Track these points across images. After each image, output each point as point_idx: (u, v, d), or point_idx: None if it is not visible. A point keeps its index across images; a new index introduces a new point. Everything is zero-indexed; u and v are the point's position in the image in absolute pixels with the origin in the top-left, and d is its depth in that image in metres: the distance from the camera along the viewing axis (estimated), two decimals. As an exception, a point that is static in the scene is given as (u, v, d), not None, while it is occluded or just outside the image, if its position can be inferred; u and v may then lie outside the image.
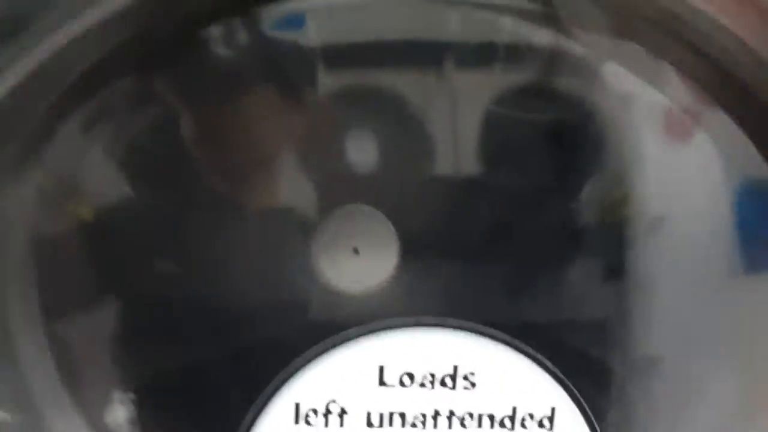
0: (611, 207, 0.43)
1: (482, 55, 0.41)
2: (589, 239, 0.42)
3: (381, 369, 0.28)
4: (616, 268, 0.41)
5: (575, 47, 0.40)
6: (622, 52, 0.40)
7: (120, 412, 0.40)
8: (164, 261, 0.39)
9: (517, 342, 0.28)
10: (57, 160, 0.37)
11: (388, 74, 0.41)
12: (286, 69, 0.41)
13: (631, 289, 0.41)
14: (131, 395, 0.40)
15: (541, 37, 0.40)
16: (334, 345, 0.28)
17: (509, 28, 0.40)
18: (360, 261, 0.40)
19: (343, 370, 0.29)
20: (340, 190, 0.41)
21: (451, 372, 0.28)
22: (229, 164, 0.41)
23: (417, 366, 0.29)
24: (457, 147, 0.42)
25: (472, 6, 0.40)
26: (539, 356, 0.28)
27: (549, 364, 0.28)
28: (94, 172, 0.38)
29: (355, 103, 0.41)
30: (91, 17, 0.31)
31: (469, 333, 0.28)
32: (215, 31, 0.37)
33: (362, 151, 0.42)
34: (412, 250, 0.40)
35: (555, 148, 0.42)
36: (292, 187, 0.41)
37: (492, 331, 0.28)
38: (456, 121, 0.41)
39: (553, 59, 0.41)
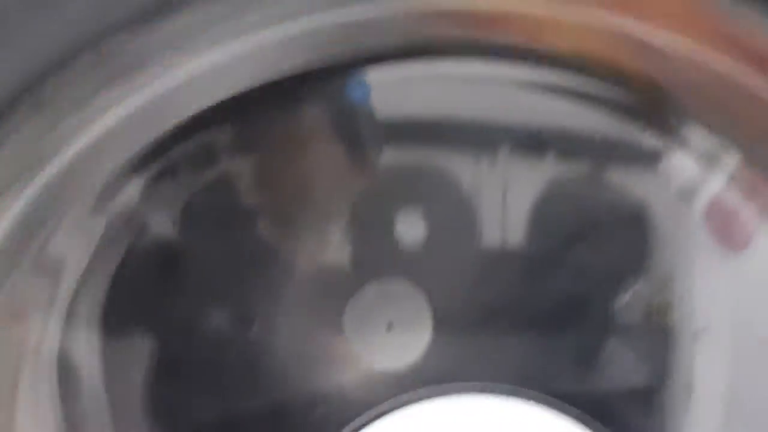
0: (657, 310, 0.42)
1: (538, 141, 0.42)
2: (632, 336, 0.42)
3: None
4: (660, 372, 0.41)
5: (640, 136, 0.41)
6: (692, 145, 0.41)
7: None
8: (208, 308, 0.39)
9: (588, 418, 0.27)
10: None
11: (444, 153, 0.42)
12: (355, 134, 0.42)
13: (669, 396, 0.41)
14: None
15: (606, 125, 0.41)
16: (402, 403, 0.27)
17: (572, 116, 0.41)
18: (393, 337, 0.40)
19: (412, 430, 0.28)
20: (380, 262, 0.41)
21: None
22: (283, 218, 0.41)
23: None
24: (504, 230, 0.42)
25: (568, 94, 0.41)
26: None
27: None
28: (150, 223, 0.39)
29: (408, 177, 0.42)
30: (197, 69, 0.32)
31: (537, 404, 0.27)
32: (301, 89, 0.38)
33: (409, 227, 0.42)
34: (446, 328, 0.40)
35: (603, 242, 0.42)
36: (336, 254, 0.41)
37: (562, 404, 0.27)
38: (505, 205, 0.42)
39: (614, 151, 0.41)
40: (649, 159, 0.41)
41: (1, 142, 0.26)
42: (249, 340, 0.39)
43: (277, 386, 0.38)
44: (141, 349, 0.38)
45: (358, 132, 0.41)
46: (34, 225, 0.32)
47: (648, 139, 0.41)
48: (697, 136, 0.40)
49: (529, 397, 0.28)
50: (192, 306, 0.37)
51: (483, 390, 0.27)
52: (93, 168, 0.32)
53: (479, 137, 0.41)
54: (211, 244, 0.39)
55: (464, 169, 0.42)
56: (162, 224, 0.38)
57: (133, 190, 0.36)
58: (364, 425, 0.28)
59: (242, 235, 0.39)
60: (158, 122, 0.33)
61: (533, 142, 0.42)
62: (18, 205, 0.30)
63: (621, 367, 0.40)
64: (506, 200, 0.42)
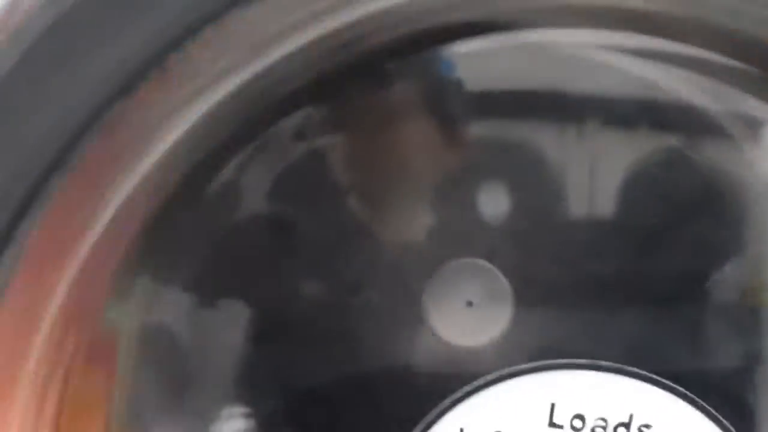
0: (751, 291, 0.41)
1: (630, 115, 0.41)
2: (726, 318, 0.41)
3: (552, 407, 0.27)
4: (756, 351, 0.40)
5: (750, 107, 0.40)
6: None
7: (231, 427, 0.39)
8: (298, 278, 0.39)
9: (697, 399, 0.26)
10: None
11: (530, 126, 0.41)
12: (443, 109, 0.41)
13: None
14: (244, 410, 0.39)
15: (710, 99, 0.40)
16: (504, 376, 0.27)
17: (670, 89, 0.40)
18: (473, 314, 0.40)
19: (513, 403, 0.28)
20: (463, 238, 0.41)
21: (626, 420, 0.27)
22: (371, 192, 0.41)
23: (590, 409, 0.28)
24: (590, 206, 0.41)
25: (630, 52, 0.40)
26: (719, 416, 0.27)
27: (729, 425, 0.27)
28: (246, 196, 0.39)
29: (493, 151, 0.41)
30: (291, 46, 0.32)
31: (646, 383, 0.27)
32: (390, 65, 0.38)
33: (493, 202, 0.41)
34: (527, 305, 0.39)
35: (695, 220, 0.41)
36: (420, 229, 0.41)
37: (673, 385, 0.26)
38: (593, 180, 0.41)
39: (710, 125, 0.40)
40: (747, 134, 0.40)
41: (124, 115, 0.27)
42: (335, 313, 0.39)
43: (362, 360, 0.39)
44: (235, 316, 0.38)
45: (447, 107, 0.41)
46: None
47: (746, 112, 0.40)
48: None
49: (630, 376, 0.27)
50: (283, 277, 0.38)
51: (582, 367, 0.27)
52: (198, 142, 0.33)
53: (567, 110, 0.41)
54: (303, 217, 0.39)
55: (551, 143, 0.41)
56: (257, 197, 0.38)
57: (232, 165, 0.37)
58: (498, 379, 0.28)
59: (332, 209, 0.39)
60: (257, 100, 0.34)
61: (624, 115, 0.41)
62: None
63: (716, 346, 0.39)
64: (594, 175, 0.41)
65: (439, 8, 0.37)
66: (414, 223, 0.41)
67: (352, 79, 0.37)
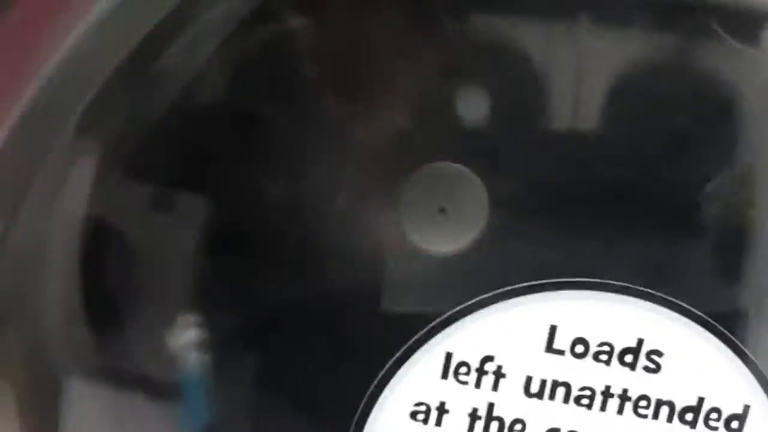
0: (737, 207, 0.40)
1: (622, 11, 0.39)
2: (709, 234, 0.39)
3: (552, 331, 0.25)
4: (736, 271, 0.39)
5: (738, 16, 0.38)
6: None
7: (186, 336, 0.38)
8: (262, 174, 0.37)
9: (716, 324, 0.24)
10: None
11: (512, 22, 0.39)
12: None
13: (749, 297, 0.39)
14: (200, 320, 0.37)
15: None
16: (497, 298, 0.24)
17: None
18: (447, 221, 0.38)
19: (508, 326, 0.25)
20: (438, 142, 0.39)
21: (634, 346, 0.25)
22: (343, 86, 0.38)
23: (594, 334, 0.25)
24: (576, 111, 0.40)
25: None
26: (740, 344, 0.24)
27: (750, 355, 0.25)
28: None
29: (472, 50, 0.39)
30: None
31: (659, 305, 0.24)
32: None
33: (471, 105, 0.39)
34: (503, 211, 0.37)
35: (685, 131, 0.39)
36: (395, 130, 0.38)
37: (689, 308, 0.24)
38: (580, 83, 0.39)
39: (706, 27, 0.38)
40: (744, 39, 0.38)
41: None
42: (302, 220, 0.37)
43: (330, 273, 0.37)
44: (191, 217, 0.36)
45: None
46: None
47: (745, 17, 0.38)
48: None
49: (641, 297, 0.25)
50: (244, 176, 0.35)
51: (585, 286, 0.24)
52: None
53: (555, 6, 0.39)
54: (268, 110, 0.36)
55: (535, 42, 0.39)
56: (216, 82, 0.35)
57: (186, 40, 0.34)
58: (491, 301, 0.26)
59: (299, 103, 0.37)
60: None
61: (616, 12, 0.39)
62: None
63: (698, 267, 0.38)
64: (581, 77, 0.39)
65: None
66: (388, 123, 0.38)
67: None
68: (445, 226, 0.37)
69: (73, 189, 0.35)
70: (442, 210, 0.37)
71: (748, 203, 0.41)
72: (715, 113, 0.40)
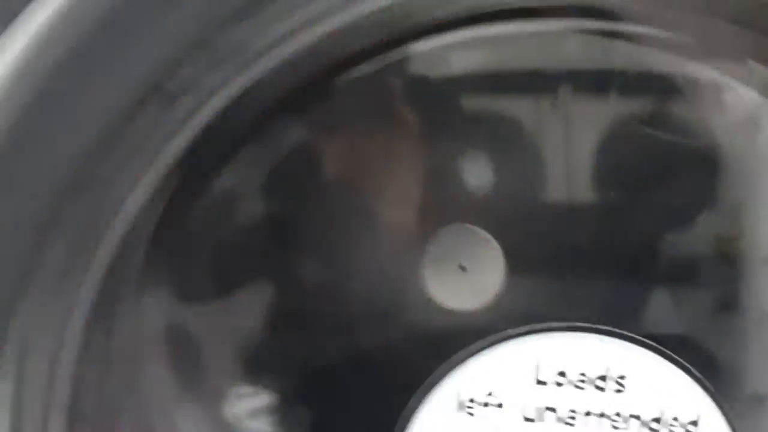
0: (726, 240, 0.43)
1: (599, 82, 0.43)
2: (702, 268, 0.43)
3: (537, 367, 0.31)
4: (729, 301, 0.42)
5: (700, 71, 0.42)
6: (753, 76, 0.41)
7: (243, 406, 0.43)
8: (298, 268, 0.42)
9: (666, 350, 0.30)
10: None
11: (505, 100, 0.44)
12: (420, 94, 0.43)
13: (745, 324, 0.42)
14: (258, 388, 0.42)
15: (664, 63, 0.42)
16: (494, 342, 0.30)
17: (628, 55, 0.42)
18: (467, 279, 0.42)
19: (503, 365, 0.31)
20: (451, 208, 0.44)
21: (603, 374, 0.30)
22: (363, 179, 0.44)
23: (571, 366, 0.31)
24: (568, 171, 0.44)
25: (593, 33, 0.42)
26: (687, 364, 0.30)
27: (696, 371, 0.30)
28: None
29: (472, 125, 0.44)
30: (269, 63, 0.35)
31: (619, 339, 0.30)
32: (366, 68, 0.41)
33: (477, 173, 0.44)
34: (519, 268, 0.42)
35: (670, 176, 0.43)
36: (410, 202, 0.44)
37: (642, 339, 0.30)
38: (570, 146, 0.44)
39: (673, 85, 0.42)
40: (711, 93, 0.42)
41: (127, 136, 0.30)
42: (336, 296, 0.42)
43: (362, 333, 0.42)
44: (244, 306, 0.41)
45: (426, 99, 0.43)
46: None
47: (709, 74, 0.42)
48: (759, 69, 0.41)
49: (604, 334, 0.30)
50: (285, 268, 0.41)
51: (561, 329, 0.30)
52: (194, 152, 0.35)
53: (539, 82, 0.43)
54: (298, 211, 0.42)
55: (526, 113, 0.44)
56: (253, 196, 0.41)
57: (227, 170, 0.40)
58: (488, 345, 0.31)
59: (324, 200, 0.43)
60: (247, 108, 0.36)
61: (593, 83, 0.43)
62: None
63: (694, 299, 0.42)
64: (570, 141, 0.44)
65: (413, 10, 0.39)
66: (405, 198, 0.43)
67: (335, 79, 0.40)
68: (465, 283, 0.42)
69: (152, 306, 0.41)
70: (462, 268, 0.42)
71: (736, 238, 0.44)
72: (694, 160, 0.44)
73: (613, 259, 0.42)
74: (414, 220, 0.43)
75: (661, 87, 0.43)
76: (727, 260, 0.43)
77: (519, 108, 0.44)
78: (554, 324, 0.31)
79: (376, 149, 0.44)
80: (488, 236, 0.43)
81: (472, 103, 0.44)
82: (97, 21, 0.27)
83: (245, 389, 0.43)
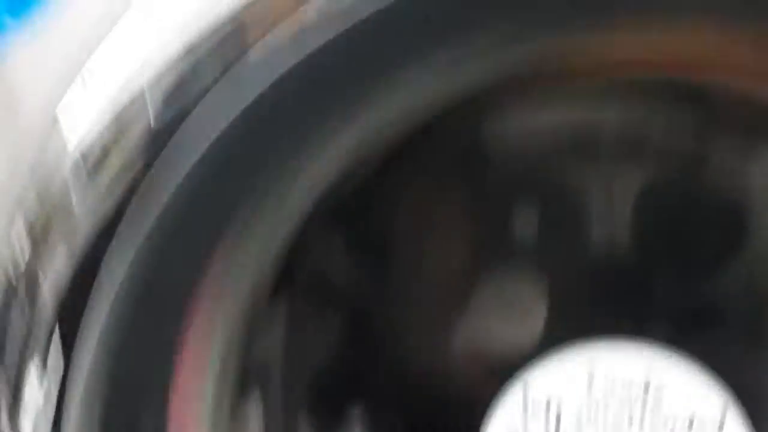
0: (758, 284, 0.47)
1: (634, 148, 0.47)
2: (733, 309, 0.47)
3: (591, 375, 0.37)
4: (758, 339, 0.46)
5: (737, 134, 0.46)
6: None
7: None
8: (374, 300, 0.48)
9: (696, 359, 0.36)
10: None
11: (550, 157, 0.48)
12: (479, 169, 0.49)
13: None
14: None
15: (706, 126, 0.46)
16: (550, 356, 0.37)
17: (667, 116, 0.46)
18: (510, 325, 0.48)
19: (561, 375, 0.38)
20: (499, 256, 0.49)
21: (645, 380, 0.37)
22: (422, 225, 0.49)
23: (618, 376, 0.37)
24: (609, 220, 0.48)
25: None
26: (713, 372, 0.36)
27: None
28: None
29: (519, 182, 0.49)
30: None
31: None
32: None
33: (524, 224, 0.49)
34: (561, 308, 0.47)
35: (705, 225, 0.48)
36: (466, 248, 0.49)
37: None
38: (611, 197, 0.48)
39: (710, 145, 0.47)
40: (745, 148, 0.47)
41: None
42: (402, 321, 0.48)
43: (427, 360, 0.47)
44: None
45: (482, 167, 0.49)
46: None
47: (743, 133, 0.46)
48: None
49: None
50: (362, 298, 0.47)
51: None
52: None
53: (579, 141, 0.48)
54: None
55: (569, 169, 0.48)
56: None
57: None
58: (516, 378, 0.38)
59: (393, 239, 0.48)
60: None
61: (632, 142, 0.47)
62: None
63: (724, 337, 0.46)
64: (611, 195, 0.48)
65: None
66: (461, 243, 0.49)
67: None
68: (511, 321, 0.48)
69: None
70: (510, 306, 0.47)
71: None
72: (728, 208, 0.47)
73: (648, 301, 0.47)
74: (470, 265, 0.49)
75: (697, 144, 0.47)
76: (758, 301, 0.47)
77: (566, 164, 0.49)
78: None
79: (437, 203, 0.49)
80: (534, 279, 0.48)
81: (522, 162, 0.49)
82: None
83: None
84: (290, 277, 0.45)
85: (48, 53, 0.42)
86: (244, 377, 0.44)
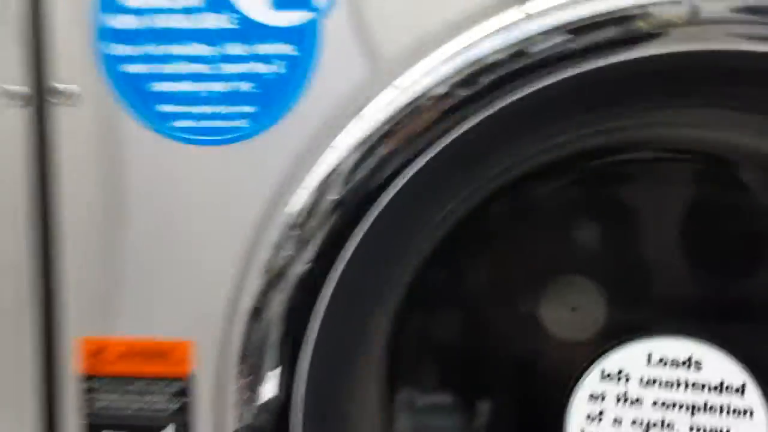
0: None
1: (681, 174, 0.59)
2: (761, 308, 0.59)
3: (649, 356, 0.53)
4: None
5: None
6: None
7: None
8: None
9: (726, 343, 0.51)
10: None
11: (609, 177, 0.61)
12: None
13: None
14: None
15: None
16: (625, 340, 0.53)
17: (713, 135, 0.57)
18: (576, 317, 0.61)
19: (627, 353, 0.54)
20: (565, 261, 0.63)
21: (688, 359, 0.53)
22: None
23: (668, 353, 0.53)
24: (660, 230, 0.60)
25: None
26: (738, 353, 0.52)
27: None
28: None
29: (581, 199, 0.62)
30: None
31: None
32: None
33: (587, 234, 0.62)
34: (618, 311, 0.59)
35: (739, 237, 0.60)
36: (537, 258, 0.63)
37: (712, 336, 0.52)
38: (662, 210, 0.60)
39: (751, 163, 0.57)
40: None
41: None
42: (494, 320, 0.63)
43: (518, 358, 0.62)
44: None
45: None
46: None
47: None
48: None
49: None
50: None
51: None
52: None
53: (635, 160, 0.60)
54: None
55: (626, 186, 0.61)
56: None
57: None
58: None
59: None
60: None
61: (682, 160, 0.59)
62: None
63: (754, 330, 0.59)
64: (662, 207, 0.60)
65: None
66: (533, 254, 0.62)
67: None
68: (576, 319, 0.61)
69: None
70: (573, 309, 0.62)
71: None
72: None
73: (689, 299, 0.60)
74: (540, 272, 0.62)
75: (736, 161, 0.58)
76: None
77: (621, 181, 0.61)
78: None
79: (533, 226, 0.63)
80: (594, 283, 0.60)
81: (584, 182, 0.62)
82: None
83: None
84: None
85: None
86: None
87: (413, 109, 0.50)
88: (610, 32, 0.47)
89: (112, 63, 0.56)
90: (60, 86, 0.56)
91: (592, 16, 0.47)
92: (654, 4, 0.46)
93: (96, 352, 0.55)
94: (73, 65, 0.56)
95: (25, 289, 0.57)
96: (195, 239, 0.55)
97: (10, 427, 0.58)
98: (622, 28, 0.47)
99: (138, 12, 0.55)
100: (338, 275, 0.51)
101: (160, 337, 0.55)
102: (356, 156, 0.51)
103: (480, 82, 0.50)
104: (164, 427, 0.54)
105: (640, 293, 0.61)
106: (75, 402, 0.57)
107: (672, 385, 0.54)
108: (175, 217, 0.55)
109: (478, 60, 0.50)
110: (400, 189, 0.50)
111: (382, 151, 0.51)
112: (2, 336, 0.57)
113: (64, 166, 0.57)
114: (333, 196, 0.51)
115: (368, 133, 0.51)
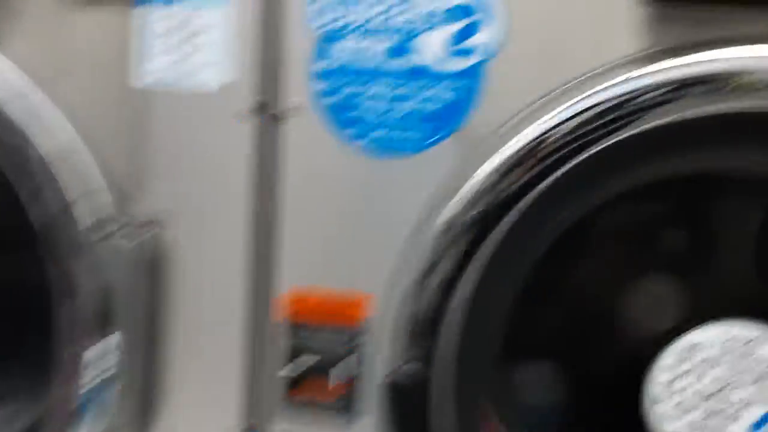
0: None
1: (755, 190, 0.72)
2: None
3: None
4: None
5: None
6: None
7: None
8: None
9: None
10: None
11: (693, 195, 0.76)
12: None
13: None
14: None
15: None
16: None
17: None
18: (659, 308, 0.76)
19: (700, 334, 0.71)
20: (650, 263, 0.77)
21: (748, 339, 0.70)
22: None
23: (733, 333, 0.70)
24: (737, 241, 0.73)
25: None
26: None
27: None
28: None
29: (669, 214, 0.76)
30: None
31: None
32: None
33: (675, 242, 0.76)
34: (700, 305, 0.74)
35: None
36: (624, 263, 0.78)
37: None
38: (738, 225, 0.73)
39: None
40: None
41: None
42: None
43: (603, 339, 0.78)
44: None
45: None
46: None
47: None
48: None
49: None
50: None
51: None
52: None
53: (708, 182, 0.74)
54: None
55: (705, 201, 0.74)
56: None
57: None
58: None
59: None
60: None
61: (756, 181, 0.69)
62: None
63: None
64: (738, 221, 0.74)
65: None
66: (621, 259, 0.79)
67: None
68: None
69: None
70: (658, 303, 0.76)
71: None
72: None
73: (751, 292, 0.74)
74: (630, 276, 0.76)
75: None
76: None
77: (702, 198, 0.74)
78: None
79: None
80: (679, 282, 0.74)
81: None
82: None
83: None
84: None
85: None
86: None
87: (540, 141, 0.67)
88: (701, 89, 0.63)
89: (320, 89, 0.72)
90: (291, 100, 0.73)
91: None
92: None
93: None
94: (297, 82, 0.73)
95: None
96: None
97: (221, 352, 0.79)
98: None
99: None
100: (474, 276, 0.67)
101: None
102: (495, 177, 0.68)
103: (597, 122, 0.67)
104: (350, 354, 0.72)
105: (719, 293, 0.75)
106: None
107: (734, 356, 0.71)
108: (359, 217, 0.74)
109: (599, 103, 0.66)
110: (531, 202, 0.67)
111: (518, 173, 0.68)
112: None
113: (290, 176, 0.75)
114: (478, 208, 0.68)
115: (508, 158, 0.68)
